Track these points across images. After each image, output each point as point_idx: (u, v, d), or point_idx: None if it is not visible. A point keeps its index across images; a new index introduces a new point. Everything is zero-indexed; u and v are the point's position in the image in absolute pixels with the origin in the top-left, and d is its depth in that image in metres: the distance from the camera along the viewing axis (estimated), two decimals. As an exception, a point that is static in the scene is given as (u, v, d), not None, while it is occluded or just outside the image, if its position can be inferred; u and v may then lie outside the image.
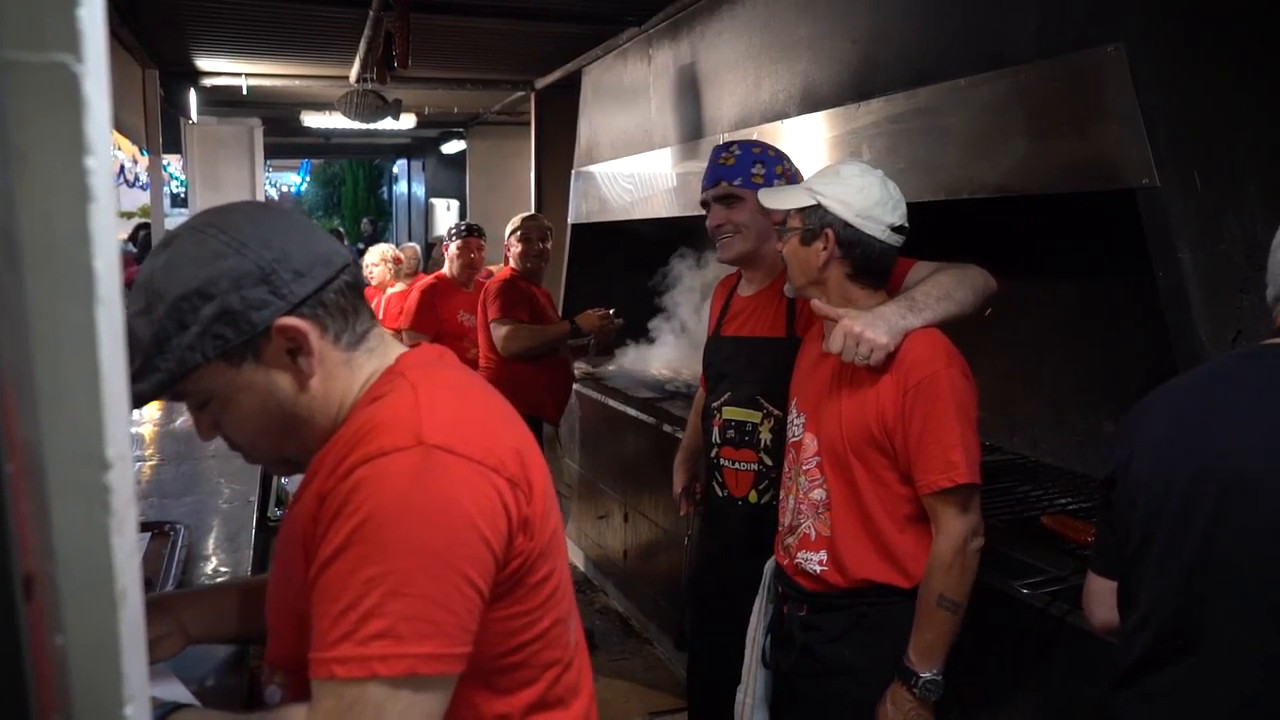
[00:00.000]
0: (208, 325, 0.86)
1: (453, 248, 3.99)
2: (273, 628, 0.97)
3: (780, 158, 2.13)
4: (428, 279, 4.09)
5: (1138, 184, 1.69)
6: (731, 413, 2.10)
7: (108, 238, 0.42)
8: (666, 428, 3.32)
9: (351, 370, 0.94)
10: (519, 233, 3.55)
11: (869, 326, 1.60)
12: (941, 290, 1.68)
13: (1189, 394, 1.21)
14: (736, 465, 2.10)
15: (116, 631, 0.43)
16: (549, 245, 3.59)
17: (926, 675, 1.60)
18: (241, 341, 0.87)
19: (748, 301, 2.16)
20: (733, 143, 2.13)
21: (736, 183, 2.07)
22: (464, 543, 0.82)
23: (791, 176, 2.13)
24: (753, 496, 2.08)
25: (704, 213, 2.16)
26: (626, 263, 4.61)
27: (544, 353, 3.40)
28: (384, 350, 0.97)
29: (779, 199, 1.75)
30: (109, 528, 0.42)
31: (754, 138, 3.07)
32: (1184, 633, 1.12)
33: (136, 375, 0.87)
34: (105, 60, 0.41)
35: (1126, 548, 1.21)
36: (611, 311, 3.54)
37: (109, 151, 0.44)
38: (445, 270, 4.04)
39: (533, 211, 5.39)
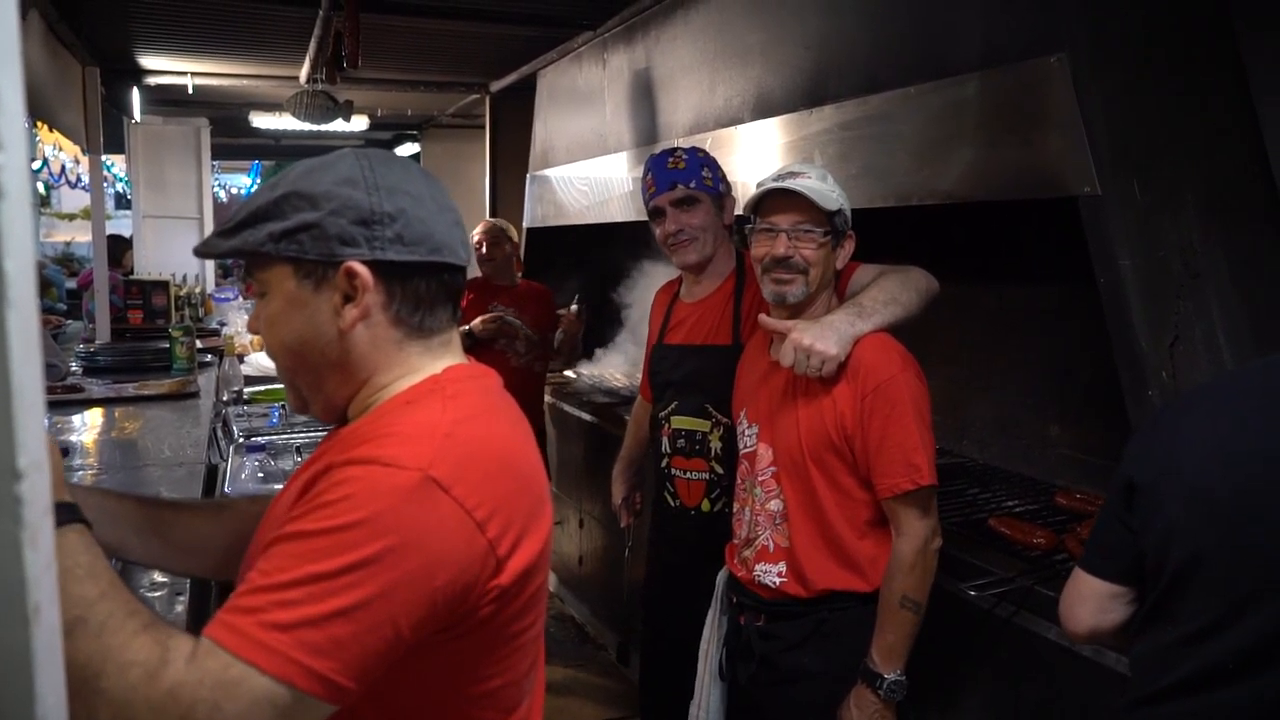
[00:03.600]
0: (296, 228, 0.88)
1: None
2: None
3: (717, 162, 2.14)
4: None
5: (1080, 192, 1.73)
6: (680, 422, 2.10)
7: (21, 237, 0.40)
8: (623, 434, 3.30)
9: (400, 352, 0.93)
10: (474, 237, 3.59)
11: (818, 339, 1.61)
12: (888, 294, 1.69)
13: (1239, 399, 1.17)
14: (688, 475, 2.09)
15: (29, 649, 0.41)
16: (504, 248, 3.56)
17: (891, 676, 1.61)
18: (312, 260, 0.89)
19: (692, 308, 2.15)
20: (676, 148, 2.13)
21: (692, 185, 2.06)
22: (413, 589, 0.78)
23: (725, 181, 2.14)
24: (705, 506, 2.07)
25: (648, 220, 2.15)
26: (581, 267, 4.60)
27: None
28: (441, 352, 0.96)
29: (823, 198, 1.67)
30: (20, 541, 0.40)
31: (709, 143, 3.08)
32: (1250, 653, 1.08)
33: (224, 232, 0.92)
34: (17, 48, 0.39)
35: (1163, 559, 1.16)
36: (574, 309, 3.51)
37: (23, 146, 0.42)
38: None
39: (487, 215, 5.39)
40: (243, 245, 0.90)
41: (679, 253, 2.09)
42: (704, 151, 2.14)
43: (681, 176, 2.06)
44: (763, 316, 1.74)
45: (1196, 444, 1.17)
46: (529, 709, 0.96)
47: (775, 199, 1.71)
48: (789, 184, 1.68)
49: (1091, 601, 1.27)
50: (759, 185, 1.75)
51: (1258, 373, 1.22)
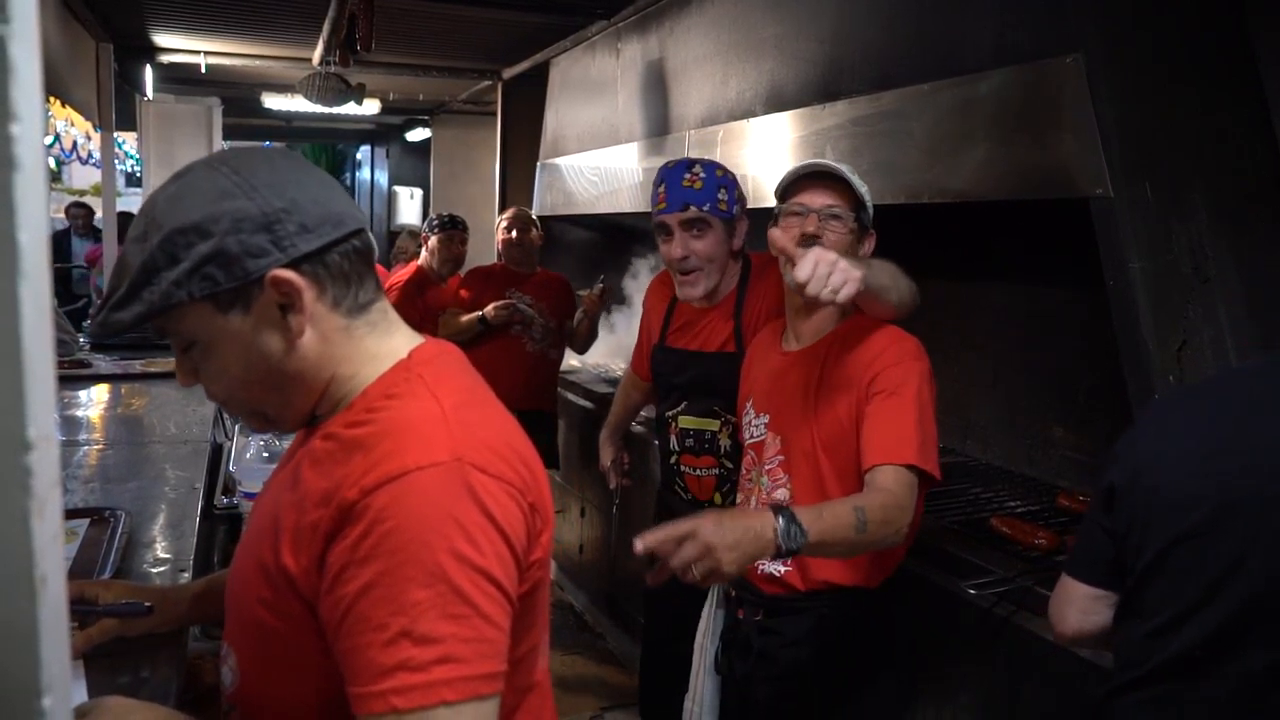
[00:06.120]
0: (199, 264, 0.82)
1: (434, 240, 3.85)
2: (232, 603, 0.94)
3: (736, 181, 2.03)
4: (405, 272, 3.95)
5: (1091, 193, 1.72)
6: (689, 422, 2.09)
7: (34, 209, 0.40)
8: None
9: (350, 339, 0.90)
10: (501, 224, 3.65)
11: (842, 260, 1.43)
12: (887, 273, 1.61)
13: (1210, 406, 1.23)
14: (698, 471, 2.09)
15: (35, 618, 0.41)
16: (531, 234, 3.58)
17: (799, 525, 1.33)
18: (231, 287, 0.83)
19: (697, 313, 2.11)
20: (694, 161, 2.01)
21: (705, 208, 1.94)
22: (504, 560, 0.81)
23: (741, 201, 2.05)
24: (716, 499, 2.08)
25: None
26: (590, 256, 4.60)
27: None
28: (388, 327, 0.93)
29: (857, 184, 1.62)
30: (29, 511, 0.41)
31: (719, 136, 3.07)
32: (1219, 642, 1.13)
33: (118, 303, 0.83)
34: (35, 21, 0.39)
35: (1136, 556, 1.21)
36: (596, 289, 3.50)
37: (38, 119, 0.42)
38: (422, 262, 3.90)
39: (497, 202, 5.44)
40: (150, 307, 0.82)
41: (684, 287, 2.00)
42: (724, 169, 2.00)
43: (695, 198, 1.94)
44: (773, 229, 1.61)
45: (1170, 444, 1.21)
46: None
47: (806, 182, 1.64)
48: (823, 165, 1.61)
49: (1076, 604, 1.32)
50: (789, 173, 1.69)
51: (1242, 377, 1.27)
